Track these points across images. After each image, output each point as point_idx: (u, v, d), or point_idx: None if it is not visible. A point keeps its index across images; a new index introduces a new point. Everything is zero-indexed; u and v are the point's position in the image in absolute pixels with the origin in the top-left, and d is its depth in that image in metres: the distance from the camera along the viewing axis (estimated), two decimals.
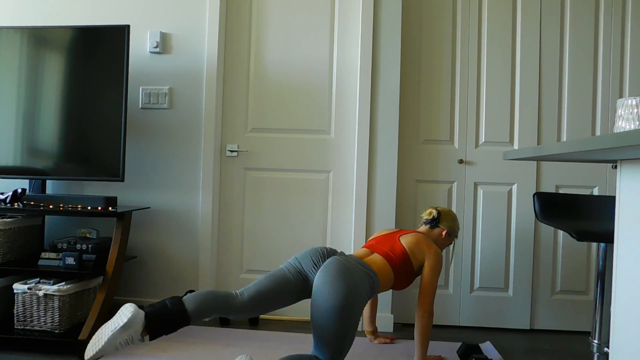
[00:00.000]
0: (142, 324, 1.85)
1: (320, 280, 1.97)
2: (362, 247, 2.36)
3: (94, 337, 1.85)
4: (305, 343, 2.57)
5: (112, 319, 1.85)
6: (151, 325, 1.86)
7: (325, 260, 2.08)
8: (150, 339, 1.88)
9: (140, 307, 1.91)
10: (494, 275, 2.98)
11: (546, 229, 2.97)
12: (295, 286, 2.07)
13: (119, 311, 1.86)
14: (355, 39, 2.99)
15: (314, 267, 2.08)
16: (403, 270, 2.23)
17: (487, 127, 2.98)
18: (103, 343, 1.80)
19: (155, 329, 1.87)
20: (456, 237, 2.54)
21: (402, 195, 3.00)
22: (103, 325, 1.86)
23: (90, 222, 3.03)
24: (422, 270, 2.29)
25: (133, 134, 3.02)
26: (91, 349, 1.82)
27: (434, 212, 2.47)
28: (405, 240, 2.29)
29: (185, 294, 2.01)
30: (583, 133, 2.95)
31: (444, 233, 2.46)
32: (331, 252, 2.15)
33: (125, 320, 1.81)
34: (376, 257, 2.21)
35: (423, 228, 2.49)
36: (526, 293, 2.95)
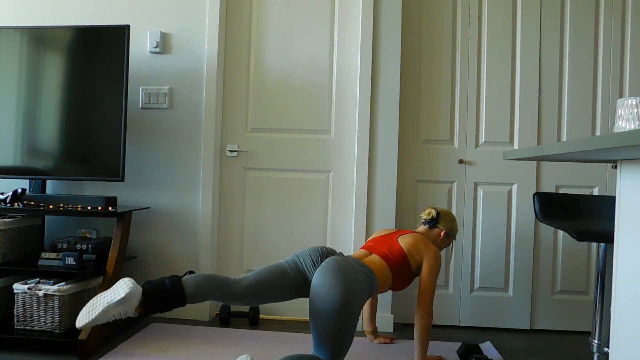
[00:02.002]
0: (138, 299, 1.84)
1: (318, 280, 1.97)
2: (361, 248, 2.36)
3: (87, 305, 1.83)
4: (305, 343, 2.57)
5: (108, 290, 1.83)
6: (147, 301, 1.85)
7: (323, 260, 2.09)
8: (144, 316, 1.88)
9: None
10: (494, 275, 2.98)
11: (546, 229, 2.97)
12: (294, 282, 2.07)
13: (117, 284, 1.84)
14: (355, 39, 2.99)
15: (313, 267, 2.09)
16: (401, 271, 2.23)
17: (487, 127, 2.98)
18: (97, 313, 1.79)
19: (150, 306, 1.86)
20: (454, 238, 2.54)
21: (402, 195, 3.00)
22: (98, 295, 1.83)
23: (90, 222, 3.03)
24: (420, 270, 2.29)
25: (133, 134, 3.02)
26: (84, 317, 1.80)
27: (433, 212, 2.47)
28: (404, 241, 2.29)
29: (185, 274, 2.00)
30: (583, 133, 2.95)
31: (442, 234, 2.46)
32: (330, 252, 2.15)
33: (122, 295, 1.79)
34: (374, 258, 2.21)
35: (422, 228, 2.49)
36: (526, 293, 2.95)
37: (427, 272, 2.26)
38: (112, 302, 1.79)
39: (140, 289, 1.85)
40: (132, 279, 1.85)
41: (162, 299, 1.87)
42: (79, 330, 2.45)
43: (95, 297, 1.84)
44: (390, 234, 2.37)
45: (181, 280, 1.92)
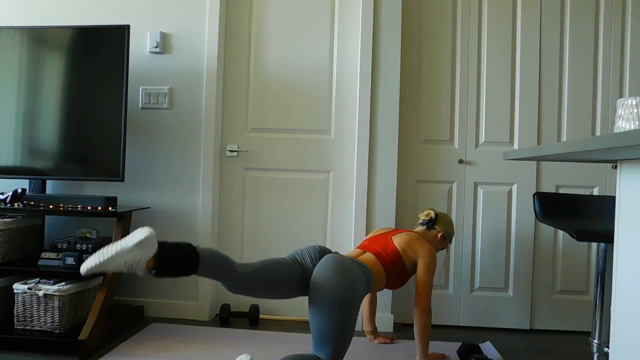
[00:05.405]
0: (154, 250, 1.74)
1: (318, 276, 1.97)
2: (356, 247, 2.36)
3: (99, 251, 1.70)
4: (305, 343, 2.57)
5: (124, 238, 1.72)
6: (161, 257, 1.76)
7: (321, 258, 2.08)
8: (155, 274, 1.77)
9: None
10: (494, 275, 2.98)
11: (546, 229, 2.97)
12: (295, 277, 2.02)
13: (134, 232, 1.72)
14: (355, 39, 2.99)
15: (311, 264, 2.07)
16: (395, 269, 2.24)
17: (487, 127, 2.98)
18: (109, 256, 1.67)
19: (163, 262, 1.76)
20: (450, 242, 2.55)
21: (402, 195, 3.00)
22: (113, 242, 1.72)
23: (90, 222, 3.03)
24: (416, 269, 2.29)
25: (133, 134, 3.02)
26: (92, 260, 1.68)
27: (432, 213, 2.47)
28: (398, 240, 2.29)
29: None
30: (583, 133, 2.96)
31: (439, 235, 2.47)
32: (327, 251, 2.15)
33: (140, 238, 1.69)
34: (368, 256, 2.22)
35: (419, 229, 2.50)
36: (526, 293, 2.95)
37: (422, 270, 2.26)
38: (127, 246, 1.68)
39: (157, 242, 1.76)
40: (151, 228, 1.75)
41: (177, 257, 1.77)
42: (79, 330, 2.45)
43: (110, 244, 1.71)
44: (384, 233, 2.38)
45: (196, 248, 1.85)
